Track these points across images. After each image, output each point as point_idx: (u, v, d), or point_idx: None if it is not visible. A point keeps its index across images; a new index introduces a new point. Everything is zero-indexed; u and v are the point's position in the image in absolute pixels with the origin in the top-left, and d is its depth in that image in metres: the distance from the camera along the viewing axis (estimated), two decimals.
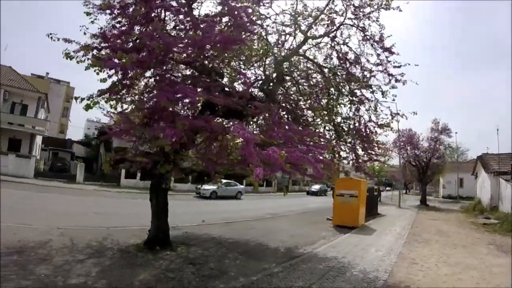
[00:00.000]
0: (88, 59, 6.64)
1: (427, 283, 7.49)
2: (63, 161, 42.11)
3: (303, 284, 6.85)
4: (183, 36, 7.47)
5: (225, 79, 10.18)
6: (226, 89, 8.76)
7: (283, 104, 11.15)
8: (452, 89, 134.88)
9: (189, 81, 8.00)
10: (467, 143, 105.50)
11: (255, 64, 11.67)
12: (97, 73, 6.54)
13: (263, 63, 11.62)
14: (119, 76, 7.02)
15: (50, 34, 6.71)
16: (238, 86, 10.20)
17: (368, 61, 10.83)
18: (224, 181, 31.78)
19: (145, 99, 8.13)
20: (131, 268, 7.08)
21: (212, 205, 25.05)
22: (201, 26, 7.27)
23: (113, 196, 25.05)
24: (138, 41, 6.91)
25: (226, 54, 9.03)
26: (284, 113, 11.14)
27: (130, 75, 6.98)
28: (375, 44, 10.48)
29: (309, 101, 11.71)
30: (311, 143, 8.12)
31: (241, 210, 22.37)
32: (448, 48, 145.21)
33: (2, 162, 27.23)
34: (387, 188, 63.52)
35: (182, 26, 7.71)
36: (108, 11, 7.24)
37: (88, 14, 7.15)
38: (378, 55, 10.55)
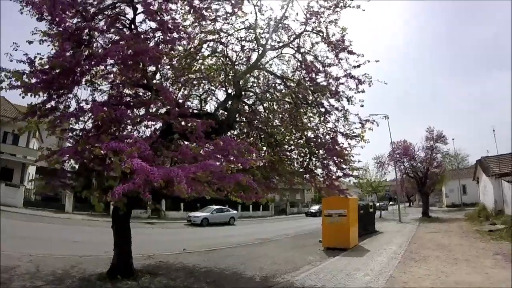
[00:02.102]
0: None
1: None
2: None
3: None
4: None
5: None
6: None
7: (254, 123, 11.05)
8: (444, 95, 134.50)
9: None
10: (467, 149, 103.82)
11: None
12: (23, 97, 6.40)
13: (223, 80, 11.43)
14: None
15: None
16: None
17: (329, 65, 10.48)
18: (215, 207, 31.19)
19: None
20: None
21: (200, 232, 24.38)
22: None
23: (99, 225, 23.87)
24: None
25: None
26: (255, 132, 11.37)
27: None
28: (334, 46, 10.09)
29: (276, 116, 11.36)
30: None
31: (230, 236, 21.57)
32: (437, 54, 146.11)
33: None
34: (391, 203, 61.77)
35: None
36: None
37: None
38: (338, 57, 10.15)
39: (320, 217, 20.85)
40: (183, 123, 7.98)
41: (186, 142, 8.09)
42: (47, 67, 6.47)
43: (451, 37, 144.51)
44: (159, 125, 8.92)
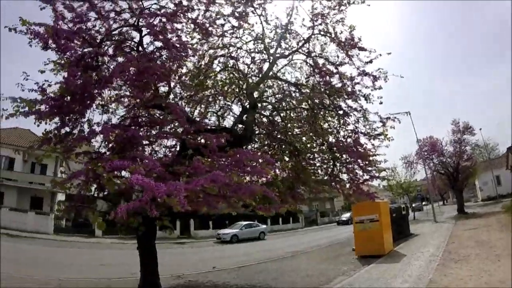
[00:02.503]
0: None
1: None
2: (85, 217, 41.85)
3: None
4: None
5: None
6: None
7: (274, 134, 10.98)
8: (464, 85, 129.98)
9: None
10: (496, 138, 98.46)
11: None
12: (37, 125, 6.56)
13: (237, 94, 11.42)
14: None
15: None
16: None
17: (341, 63, 10.25)
18: (244, 222, 30.99)
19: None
20: None
21: (230, 249, 24.20)
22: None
23: (128, 248, 24.15)
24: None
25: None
26: (275, 144, 11.23)
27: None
28: (344, 45, 9.91)
29: (295, 125, 11.22)
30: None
31: (260, 251, 21.20)
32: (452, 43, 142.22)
33: (21, 220, 28.23)
34: (424, 203, 59.68)
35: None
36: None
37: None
38: (349, 55, 9.94)
39: (352, 224, 20.40)
40: (201, 139, 7.91)
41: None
42: (56, 93, 6.56)
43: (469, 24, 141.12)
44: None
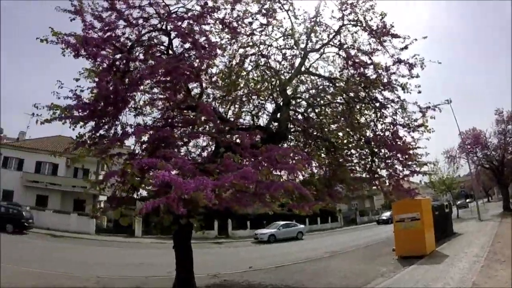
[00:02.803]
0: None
1: None
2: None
3: None
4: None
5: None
6: None
7: (309, 131, 10.74)
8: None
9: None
10: None
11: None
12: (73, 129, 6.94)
13: (270, 92, 11.32)
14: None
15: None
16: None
17: (375, 50, 9.96)
18: (282, 222, 30.82)
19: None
20: None
21: (268, 249, 24.12)
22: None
23: (166, 247, 24.75)
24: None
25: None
26: (311, 141, 11.09)
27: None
28: (376, 33, 9.54)
29: (331, 120, 10.90)
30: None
31: (298, 251, 20.92)
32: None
33: (65, 221, 30.16)
34: (467, 200, 56.85)
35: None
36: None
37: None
38: (382, 44, 9.58)
39: (392, 224, 19.80)
40: (235, 139, 7.89)
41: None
42: (90, 98, 6.83)
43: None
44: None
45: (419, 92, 9.42)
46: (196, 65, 7.48)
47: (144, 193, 9.86)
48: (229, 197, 6.41)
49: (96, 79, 6.99)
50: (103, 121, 7.33)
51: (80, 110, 6.60)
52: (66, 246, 20.75)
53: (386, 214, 43.54)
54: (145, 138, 7.19)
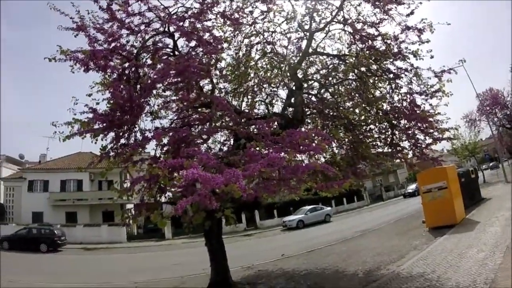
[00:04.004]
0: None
1: None
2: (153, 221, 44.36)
3: None
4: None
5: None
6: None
7: (325, 112, 10.69)
8: None
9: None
10: None
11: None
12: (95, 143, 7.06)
13: (281, 78, 11.29)
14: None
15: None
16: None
17: (381, 21, 9.70)
18: (309, 207, 30.89)
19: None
20: None
21: (298, 235, 24.37)
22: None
23: (198, 246, 25.07)
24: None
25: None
26: (329, 122, 11.11)
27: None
28: (379, 1, 9.25)
29: (346, 98, 10.86)
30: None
31: (327, 233, 20.99)
32: None
33: (96, 233, 31.19)
34: (492, 164, 55.36)
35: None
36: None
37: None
38: (387, 13, 9.32)
39: (419, 196, 19.69)
40: (252, 129, 7.91)
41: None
42: (106, 110, 6.93)
43: None
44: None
45: (432, 57, 9.12)
46: (205, 61, 7.50)
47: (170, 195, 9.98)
48: (255, 186, 6.41)
49: (110, 90, 7.08)
50: (123, 129, 7.44)
51: (99, 122, 6.69)
52: (100, 257, 21.39)
53: (411, 187, 43.04)
54: (165, 141, 7.25)
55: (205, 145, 8.84)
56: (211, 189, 4.77)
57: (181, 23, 7.46)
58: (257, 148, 6.58)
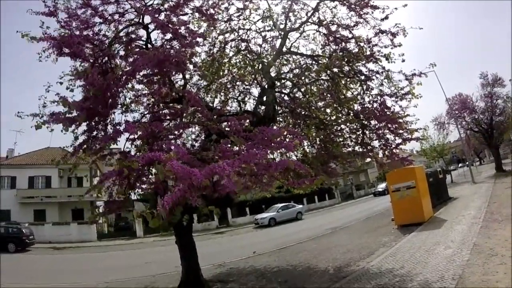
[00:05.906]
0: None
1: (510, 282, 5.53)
2: (126, 220, 43.35)
3: None
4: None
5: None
6: None
7: (297, 111, 10.84)
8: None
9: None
10: None
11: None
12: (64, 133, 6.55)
13: (254, 76, 11.30)
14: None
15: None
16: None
17: (356, 24, 9.94)
18: (280, 205, 31.19)
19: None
20: None
21: (270, 232, 24.45)
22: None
23: (170, 244, 24.84)
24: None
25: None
26: (300, 121, 11.18)
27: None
28: (355, 5, 9.58)
29: (317, 98, 10.97)
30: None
31: (299, 231, 21.18)
32: None
33: (65, 232, 30.11)
34: (460, 165, 57.55)
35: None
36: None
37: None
38: (362, 16, 9.61)
39: (389, 194, 20.28)
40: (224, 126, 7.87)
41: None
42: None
43: None
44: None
45: (403, 60, 9.46)
46: (181, 54, 7.39)
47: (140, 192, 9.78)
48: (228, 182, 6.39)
49: (85, 78, 6.84)
50: (95, 121, 7.25)
51: (76, 108, 6.37)
52: (70, 257, 20.75)
53: (381, 186, 44.12)
54: (136, 135, 7.10)
55: (178, 140, 8.69)
56: (191, 184, 4.68)
57: (157, 15, 7.29)
58: (233, 144, 6.55)
